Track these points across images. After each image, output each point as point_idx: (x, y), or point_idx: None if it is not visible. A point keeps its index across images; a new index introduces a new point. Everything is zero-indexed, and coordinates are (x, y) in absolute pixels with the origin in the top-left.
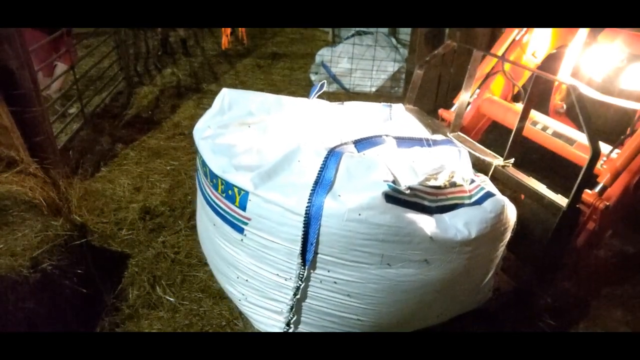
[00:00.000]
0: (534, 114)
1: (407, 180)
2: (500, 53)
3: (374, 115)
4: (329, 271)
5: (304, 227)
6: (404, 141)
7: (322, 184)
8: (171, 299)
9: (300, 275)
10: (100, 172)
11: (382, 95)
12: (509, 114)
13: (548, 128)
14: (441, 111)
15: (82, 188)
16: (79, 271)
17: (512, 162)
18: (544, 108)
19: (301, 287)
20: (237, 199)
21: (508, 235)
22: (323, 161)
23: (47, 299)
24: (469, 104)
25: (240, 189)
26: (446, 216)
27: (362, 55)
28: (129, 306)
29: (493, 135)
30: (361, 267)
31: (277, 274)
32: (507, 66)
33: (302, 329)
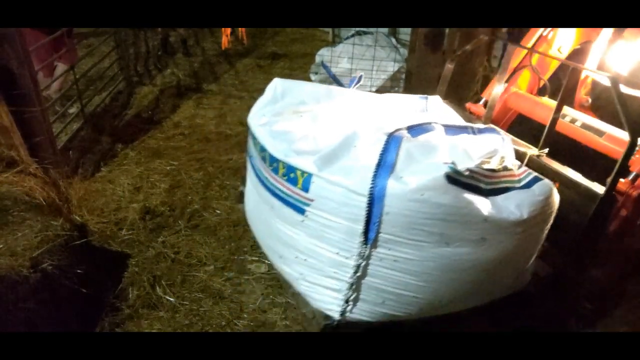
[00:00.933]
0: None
1: (464, 163)
2: (515, 50)
3: (411, 106)
4: (389, 249)
5: (367, 207)
6: (451, 129)
7: (384, 166)
8: (171, 299)
9: (362, 254)
10: (100, 172)
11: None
12: (537, 107)
13: (577, 120)
14: (469, 105)
15: (82, 188)
16: (79, 271)
17: (547, 151)
18: (568, 102)
19: (361, 265)
20: (300, 182)
21: (552, 218)
22: (384, 145)
23: (47, 299)
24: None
25: (303, 172)
26: (498, 198)
27: (362, 55)
28: (129, 306)
29: (519, 128)
30: (421, 245)
31: (338, 253)
32: (534, 60)
33: (359, 306)
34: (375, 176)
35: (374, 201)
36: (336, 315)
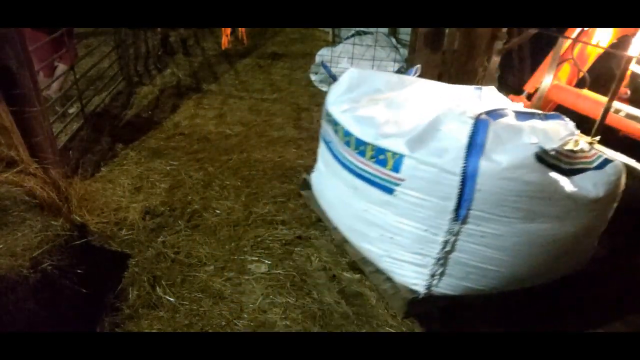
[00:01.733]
0: (605, 99)
1: (548, 144)
2: (570, 42)
3: (469, 95)
4: (477, 225)
5: (460, 186)
6: (520, 114)
7: (474, 147)
8: (171, 299)
9: (451, 230)
10: (100, 172)
11: None
12: (581, 99)
13: (620, 111)
14: (511, 97)
15: (82, 188)
16: (79, 271)
17: (599, 139)
18: (606, 93)
19: (450, 241)
20: (390, 163)
21: (619, 199)
22: (472, 127)
23: (47, 299)
24: (536, 90)
25: (394, 153)
26: (576, 178)
27: (362, 55)
28: (129, 306)
29: None
30: (507, 221)
31: (426, 230)
32: (574, 53)
33: (444, 280)
34: (467, 156)
35: (466, 180)
36: (421, 290)
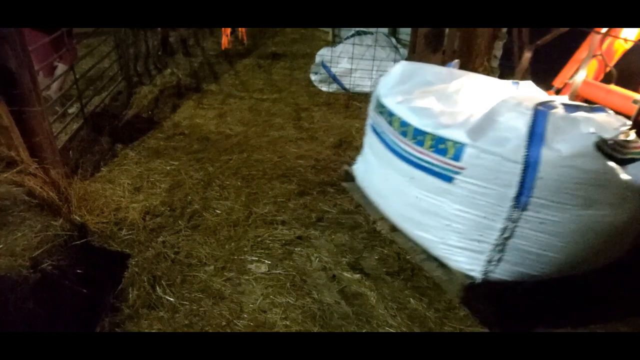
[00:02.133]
0: (635, 94)
1: (604, 134)
2: (599, 38)
3: (509, 89)
4: (537, 212)
5: (521, 174)
6: (568, 106)
7: (535, 136)
8: (171, 299)
9: (511, 217)
10: (100, 172)
11: None
12: (611, 95)
13: None
14: None
15: (82, 188)
16: (79, 271)
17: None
18: (634, 89)
19: (509, 227)
20: (451, 152)
21: None
22: (532, 118)
23: (47, 299)
24: (565, 84)
25: (455, 142)
26: (630, 167)
27: (362, 55)
28: (129, 306)
29: None
30: (566, 208)
31: (485, 217)
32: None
33: (500, 266)
34: (528, 145)
35: (528, 168)
36: (478, 275)
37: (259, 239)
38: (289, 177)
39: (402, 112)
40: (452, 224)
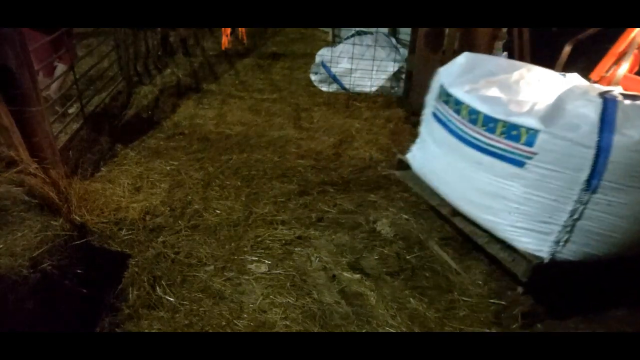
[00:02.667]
0: None
1: None
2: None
3: (560, 80)
4: (606, 195)
5: (593, 158)
6: (628, 96)
7: (605, 122)
8: (171, 299)
9: (581, 200)
10: (100, 172)
11: (382, 95)
12: None
13: None
14: None
15: (82, 188)
16: (79, 271)
17: None
18: None
19: (578, 209)
20: (523, 138)
21: None
22: (602, 105)
23: (47, 299)
24: (601, 77)
25: (528, 129)
26: None
27: (362, 55)
28: (129, 306)
29: None
30: (634, 190)
31: (555, 200)
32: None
33: (567, 247)
34: (600, 131)
35: (600, 152)
36: (545, 256)
37: (259, 239)
38: (289, 177)
39: (471, 101)
40: (520, 206)
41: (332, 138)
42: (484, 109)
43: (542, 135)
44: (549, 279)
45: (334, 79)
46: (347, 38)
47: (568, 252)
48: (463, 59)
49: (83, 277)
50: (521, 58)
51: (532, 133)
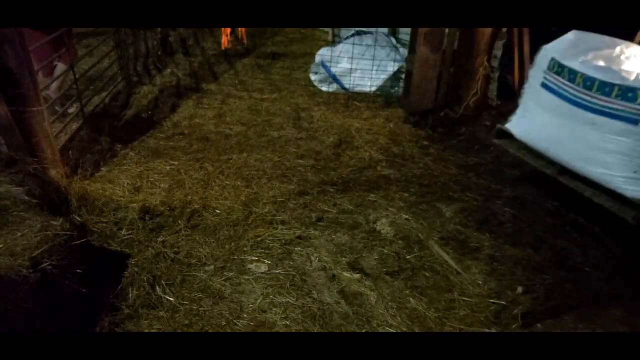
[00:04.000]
0: None
1: None
2: None
3: None
4: None
5: None
6: None
7: None
8: (171, 299)
9: None
10: (100, 172)
11: (382, 95)
12: None
13: None
14: None
15: (82, 188)
16: (79, 271)
17: None
18: None
19: None
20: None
21: None
22: None
23: (47, 299)
24: None
25: None
26: None
27: (362, 55)
28: (129, 306)
29: None
30: None
31: None
32: None
33: None
34: None
35: None
36: None
37: (259, 239)
38: (289, 177)
39: (586, 70)
40: (633, 159)
41: (332, 138)
42: (599, 76)
43: None
44: None
45: (334, 79)
46: (347, 38)
47: None
48: (572, 35)
49: (83, 277)
50: (521, 58)
51: None
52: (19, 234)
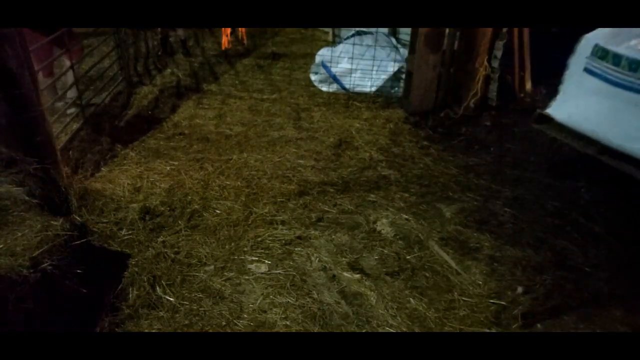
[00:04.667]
0: None
1: None
2: None
3: None
4: None
5: None
6: None
7: None
8: (171, 299)
9: None
10: (100, 172)
11: (382, 95)
12: None
13: None
14: None
15: (82, 188)
16: (79, 271)
17: None
18: None
19: None
20: None
21: None
22: None
23: (47, 299)
24: None
25: None
26: None
27: (362, 55)
28: (129, 306)
29: None
30: None
31: None
32: None
33: None
34: None
35: None
36: None
37: (259, 239)
38: (289, 177)
39: (631, 54)
40: None
41: (332, 138)
42: None
43: None
44: None
45: (334, 79)
46: (347, 38)
47: None
48: (599, 31)
49: (83, 277)
50: (521, 58)
51: None
52: (19, 234)
